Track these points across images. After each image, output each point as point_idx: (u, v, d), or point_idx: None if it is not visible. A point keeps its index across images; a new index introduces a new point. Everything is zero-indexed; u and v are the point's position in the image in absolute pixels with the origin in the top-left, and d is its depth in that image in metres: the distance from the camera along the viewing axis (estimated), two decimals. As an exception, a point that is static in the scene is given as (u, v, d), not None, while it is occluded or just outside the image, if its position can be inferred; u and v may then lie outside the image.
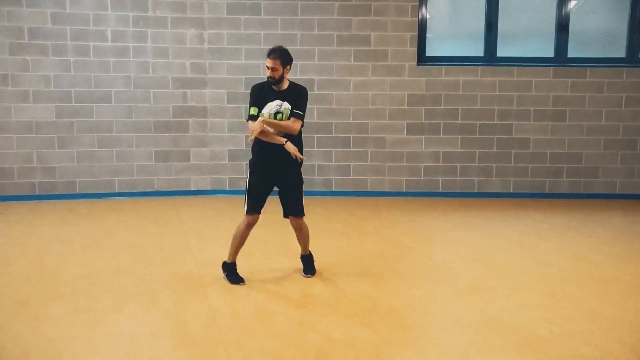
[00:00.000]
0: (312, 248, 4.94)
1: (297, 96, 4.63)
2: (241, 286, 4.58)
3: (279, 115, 4.56)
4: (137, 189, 8.14)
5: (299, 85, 4.73)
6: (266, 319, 3.99)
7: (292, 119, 4.59)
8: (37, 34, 7.65)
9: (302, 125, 4.64)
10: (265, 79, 4.63)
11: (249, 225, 4.67)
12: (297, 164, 4.65)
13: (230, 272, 4.72)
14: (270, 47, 4.63)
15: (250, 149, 4.81)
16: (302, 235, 4.83)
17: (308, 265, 4.92)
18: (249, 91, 4.72)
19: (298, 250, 4.93)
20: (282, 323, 3.91)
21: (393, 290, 4.60)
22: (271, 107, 4.57)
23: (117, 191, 8.08)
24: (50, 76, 7.73)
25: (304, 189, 4.81)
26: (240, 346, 3.55)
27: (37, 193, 7.84)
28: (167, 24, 7.96)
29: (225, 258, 4.78)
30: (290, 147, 4.55)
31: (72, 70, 7.77)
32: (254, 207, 4.66)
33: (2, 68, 7.61)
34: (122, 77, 7.93)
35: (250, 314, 4.08)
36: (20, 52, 7.63)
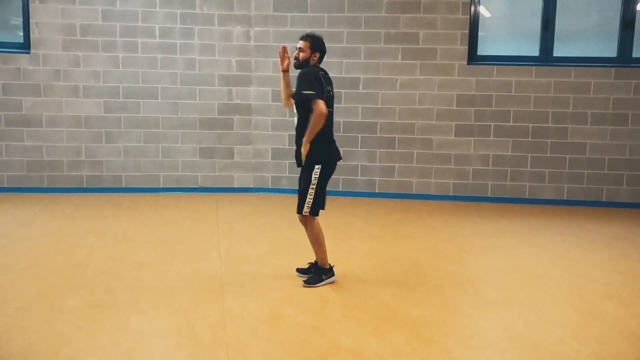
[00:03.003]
0: (342, 249, 4.75)
1: (298, 78, 4.33)
2: (258, 287, 4.48)
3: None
4: (181, 185, 8.20)
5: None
6: (276, 322, 3.86)
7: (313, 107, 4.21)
8: (88, 31, 7.82)
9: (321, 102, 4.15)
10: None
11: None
12: None
13: (328, 274, 4.59)
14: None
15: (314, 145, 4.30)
16: None
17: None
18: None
19: (328, 251, 4.72)
20: (291, 327, 3.77)
21: (415, 298, 4.38)
22: None
23: (162, 186, 8.17)
24: (99, 72, 7.90)
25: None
26: (242, 349, 3.44)
27: (84, 186, 8.03)
28: (214, 21, 7.98)
29: (253, 256, 4.69)
30: (304, 150, 4.32)
31: (120, 66, 7.91)
32: (322, 205, 4.50)
33: (55, 63, 7.82)
34: (169, 74, 8.00)
35: (262, 316, 3.96)
36: (72, 48, 7.83)
